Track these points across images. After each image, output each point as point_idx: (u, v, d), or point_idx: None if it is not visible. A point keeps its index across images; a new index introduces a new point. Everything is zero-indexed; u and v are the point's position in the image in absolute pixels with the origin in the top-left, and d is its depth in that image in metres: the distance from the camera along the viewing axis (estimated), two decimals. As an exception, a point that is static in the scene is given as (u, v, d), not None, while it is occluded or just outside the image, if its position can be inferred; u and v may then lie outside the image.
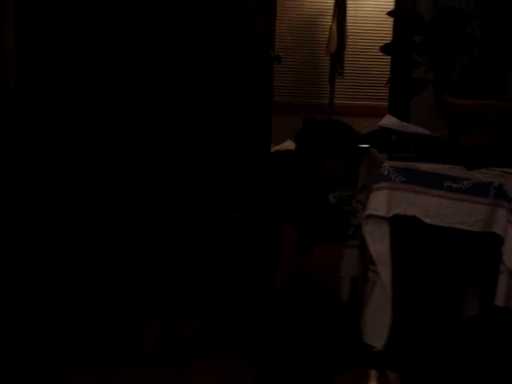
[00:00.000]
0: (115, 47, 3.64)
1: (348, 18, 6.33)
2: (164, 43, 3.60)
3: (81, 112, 3.71)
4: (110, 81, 3.64)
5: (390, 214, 3.04)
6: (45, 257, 3.60)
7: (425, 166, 3.07)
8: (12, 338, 3.28)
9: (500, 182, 3.01)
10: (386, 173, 3.05)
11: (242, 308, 3.45)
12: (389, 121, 3.35)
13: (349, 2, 6.39)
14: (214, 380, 3.17)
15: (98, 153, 3.72)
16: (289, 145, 5.88)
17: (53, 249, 3.63)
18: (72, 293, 3.56)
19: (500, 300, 2.96)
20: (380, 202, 3.04)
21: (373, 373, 3.17)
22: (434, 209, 3.04)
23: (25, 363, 3.16)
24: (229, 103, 4.33)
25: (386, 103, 4.32)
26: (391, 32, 4.05)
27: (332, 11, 6.32)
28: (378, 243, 3.06)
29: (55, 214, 3.68)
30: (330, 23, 6.29)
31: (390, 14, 3.86)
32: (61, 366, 3.18)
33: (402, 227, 3.12)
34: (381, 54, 3.60)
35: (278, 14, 5.10)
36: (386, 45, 3.58)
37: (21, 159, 3.54)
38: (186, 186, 3.72)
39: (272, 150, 5.50)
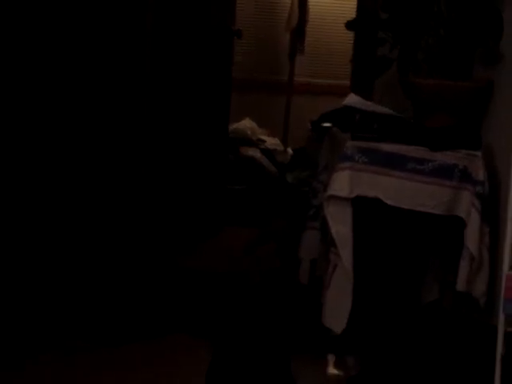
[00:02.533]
0: (68, 20, 3.50)
1: (310, -8, 6.23)
2: (120, 18, 3.47)
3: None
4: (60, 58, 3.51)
5: (353, 195, 2.98)
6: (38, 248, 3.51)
7: (388, 147, 3.01)
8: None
9: (465, 164, 2.98)
10: (349, 153, 2.99)
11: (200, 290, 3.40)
12: (353, 100, 3.28)
13: (311, -24, 6.28)
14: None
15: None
16: (247, 123, 5.81)
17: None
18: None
19: (461, 285, 2.94)
20: (342, 182, 2.98)
21: (331, 357, 3.11)
22: (397, 190, 3.00)
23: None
24: (187, 79, 4.22)
25: (349, 82, 4.24)
26: (355, 8, 3.97)
27: (294, -15, 6.21)
28: (340, 225, 3.00)
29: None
30: (291, -3, 6.18)
31: (354, -11, 3.80)
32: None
33: (364, 209, 3.06)
34: (344, 30, 3.53)
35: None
36: (350, 21, 3.51)
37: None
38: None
39: (230, 127, 5.43)
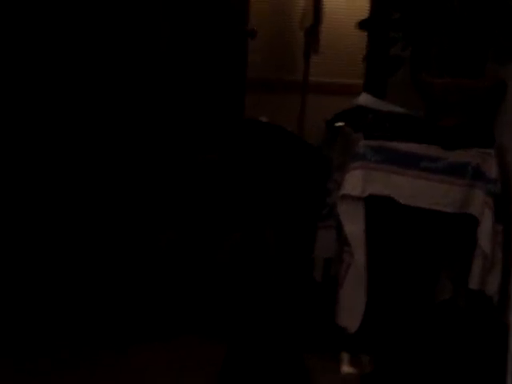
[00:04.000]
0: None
1: (324, -8, 6.24)
2: (134, 20, 3.51)
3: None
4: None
5: (365, 194, 2.99)
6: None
7: (401, 146, 3.02)
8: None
9: (477, 162, 2.98)
10: (362, 152, 3.00)
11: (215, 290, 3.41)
12: (365, 99, 3.30)
13: (325, -24, 6.29)
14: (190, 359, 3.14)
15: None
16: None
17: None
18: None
19: (474, 283, 2.94)
20: (355, 181, 2.99)
21: (345, 355, 3.13)
22: (409, 189, 3.01)
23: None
24: (202, 78, 4.25)
25: (362, 81, 4.25)
26: (368, 7, 3.98)
27: (308, -16, 6.22)
28: (353, 224, 3.01)
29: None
30: (305, -3, 6.19)
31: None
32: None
33: (377, 208, 3.08)
34: (357, 30, 3.54)
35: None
36: (363, 21, 3.52)
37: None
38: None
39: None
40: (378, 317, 3.14)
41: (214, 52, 4.38)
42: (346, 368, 3.06)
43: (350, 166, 3.01)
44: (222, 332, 3.21)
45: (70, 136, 3.56)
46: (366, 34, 3.97)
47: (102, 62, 3.54)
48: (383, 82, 3.64)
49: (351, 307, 3.00)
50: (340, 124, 3.45)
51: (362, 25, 3.50)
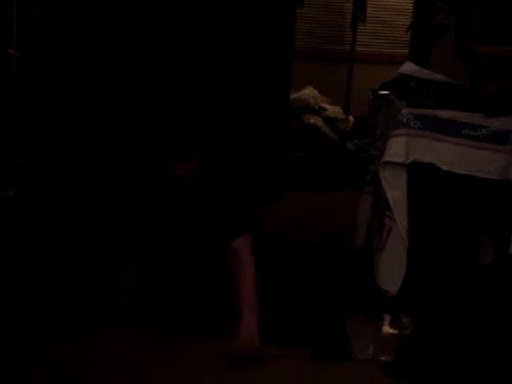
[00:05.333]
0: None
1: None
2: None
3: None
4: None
5: (408, 161, 3.05)
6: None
7: (444, 113, 3.06)
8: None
9: (519, 129, 3.01)
10: (405, 119, 3.05)
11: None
12: (408, 67, 3.34)
13: None
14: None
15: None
16: (309, 92, 5.89)
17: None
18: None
19: (513, 248, 2.99)
20: (398, 148, 3.04)
21: (386, 317, 3.21)
22: (452, 156, 3.04)
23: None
24: (251, 49, 4.31)
25: (407, 51, 4.29)
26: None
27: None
28: (395, 189, 3.07)
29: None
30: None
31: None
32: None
33: (420, 174, 3.13)
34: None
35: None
36: (409, -10, 3.56)
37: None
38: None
39: (293, 96, 5.52)
40: (419, 280, 3.21)
41: (262, 22, 4.44)
42: (387, 329, 3.15)
43: (393, 132, 3.07)
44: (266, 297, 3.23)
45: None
46: (411, 3, 4.01)
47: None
48: (427, 51, 3.67)
49: (392, 270, 3.07)
50: (384, 92, 3.50)
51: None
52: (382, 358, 2.90)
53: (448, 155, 3.05)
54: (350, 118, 5.92)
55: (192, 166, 3.05)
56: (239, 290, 2.90)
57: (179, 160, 3.02)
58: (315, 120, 5.63)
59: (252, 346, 2.79)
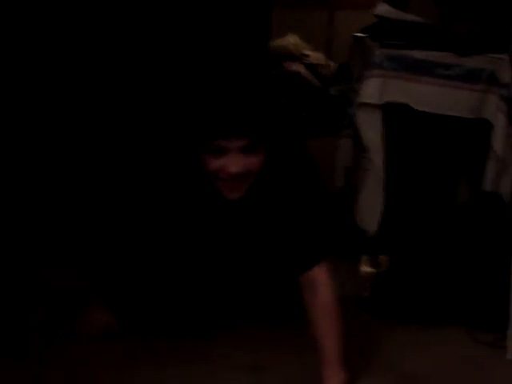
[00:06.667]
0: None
1: None
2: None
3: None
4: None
5: (382, 102, 3.08)
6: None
7: (416, 54, 3.08)
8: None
9: (492, 68, 3.03)
10: (378, 61, 3.08)
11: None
12: (383, 9, 3.35)
13: None
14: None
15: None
16: (290, 39, 5.88)
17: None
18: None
19: (488, 185, 3.04)
20: (372, 89, 3.08)
21: (365, 257, 3.27)
22: (425, 96, 3.08)
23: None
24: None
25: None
26: None
27: None
28: (371, 130, 3.11)
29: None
30: None
31: None
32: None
33: (395, 114, 3.17)
34: None
35: None
36: None
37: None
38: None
39: (274, 43, 5.50)
40: (397, 220, 3.26)
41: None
42: (364, 268, 3.21)
43: (366, 74, 3.10)
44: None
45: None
46: None
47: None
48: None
49: (370, 209, 3.13)
50: (360, 35, 3.51)
51: None
52: (359, 294, 2.95)
53: (421, 95, 3.09)
54: (332, 63, 5.92)
55: (257, 160, 2.15)
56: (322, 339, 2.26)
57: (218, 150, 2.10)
58: (297, 67, 5.64)
59: None
